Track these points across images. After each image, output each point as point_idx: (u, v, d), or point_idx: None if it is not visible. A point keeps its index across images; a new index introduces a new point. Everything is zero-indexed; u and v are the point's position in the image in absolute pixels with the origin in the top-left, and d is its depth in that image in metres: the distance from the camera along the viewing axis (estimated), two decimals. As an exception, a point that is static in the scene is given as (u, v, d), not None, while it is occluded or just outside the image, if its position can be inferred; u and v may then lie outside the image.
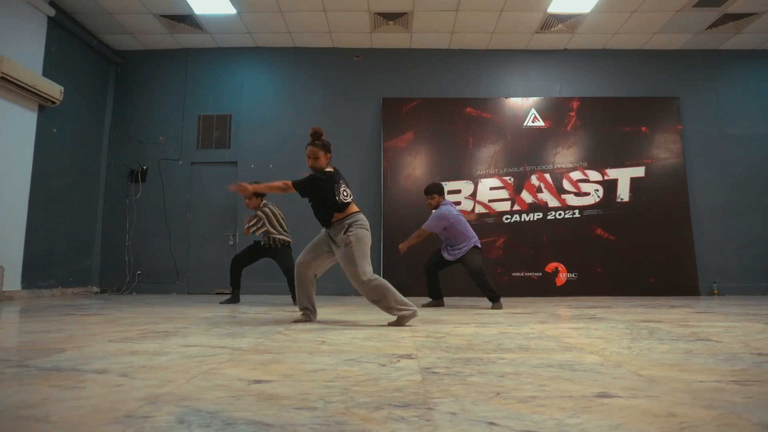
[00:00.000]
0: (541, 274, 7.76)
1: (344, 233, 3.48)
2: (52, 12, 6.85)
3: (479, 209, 7.88)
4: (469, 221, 5.55)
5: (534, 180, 7.98)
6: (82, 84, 7.71)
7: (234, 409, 1.27)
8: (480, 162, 8.04)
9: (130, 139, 8.37)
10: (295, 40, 8.32)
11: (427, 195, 5.36)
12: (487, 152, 8.07)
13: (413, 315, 3.37)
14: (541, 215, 7.91)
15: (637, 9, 7.33)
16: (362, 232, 3.50)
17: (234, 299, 5.72)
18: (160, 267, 8.11)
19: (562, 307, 5.31)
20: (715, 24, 7.71)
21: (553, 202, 7.94)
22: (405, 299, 3.40)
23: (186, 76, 8.51)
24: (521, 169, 8.02)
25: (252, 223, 5.48)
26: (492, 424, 1.16)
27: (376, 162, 8.15)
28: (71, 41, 7.45)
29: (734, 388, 1.54)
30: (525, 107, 8.18)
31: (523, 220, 7.89)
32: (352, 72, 8.49)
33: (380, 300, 3.40)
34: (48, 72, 6.85)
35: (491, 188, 7.95)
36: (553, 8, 7.31)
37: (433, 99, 8.23)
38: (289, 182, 3.49)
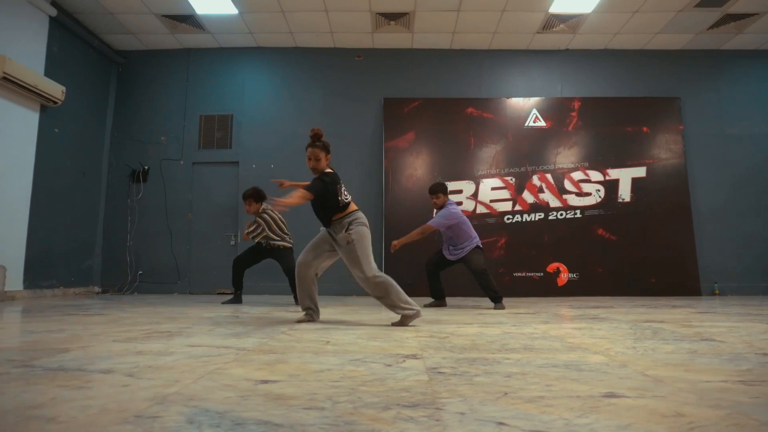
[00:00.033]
0: (542, 274, 7.76)
1: (345, 231, 3.51)
2: (53, 12, 6.85)
3: (481, 209, 7.88)
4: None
5: (535, 180, 7.98)
6: (84, 84, 7.71)
7: (242, 410, 1.27)
8: (481, 162, 8.04)
9: (132, 139, 8.37)
10: (296, 40, 8.32)
11: (432, 194, 5.33)
12: (489, 152, 8.07)
13: (417, 315, 3.37)
14: (542, 215, 7.91)
15: (638, 9, 7.33)
16: (363, 230, 3.54)
17: (236, 300, 5.73)
18: (161, 267, 8.11)
19: (564, 307, 5.31)
20: (717, 24, 7.71)
21: (554, 202, 7.94)
22: (409, 299, 3.41)
23: (187, 76, 8.52)
24: (523, 169, 8.02)
25: (251, 228, 5.50)
26: (501, 424, 1.17)
27: (378, 162, 8.15)
28: (73, 41, 7.45)
29: (741, 388, 1.54)
30: (526, 107, 8.18)
31: (524, 220, 7.89)
32: (354, 72, 8.49)
33: (384, 297, 3.42)
34: (50, 72, 6.85)
35: (493, 188, 7.95)
36: (555, 8, 7.31)
37: (434, 99, 8.23)
38: (307, 193, 3.38)
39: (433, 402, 1.36)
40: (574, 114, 8.15)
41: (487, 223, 7.83)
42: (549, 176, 7.99)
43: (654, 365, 1.92)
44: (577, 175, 8.01)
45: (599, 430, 1.13)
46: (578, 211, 7.92)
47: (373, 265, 3.50)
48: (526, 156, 8.05)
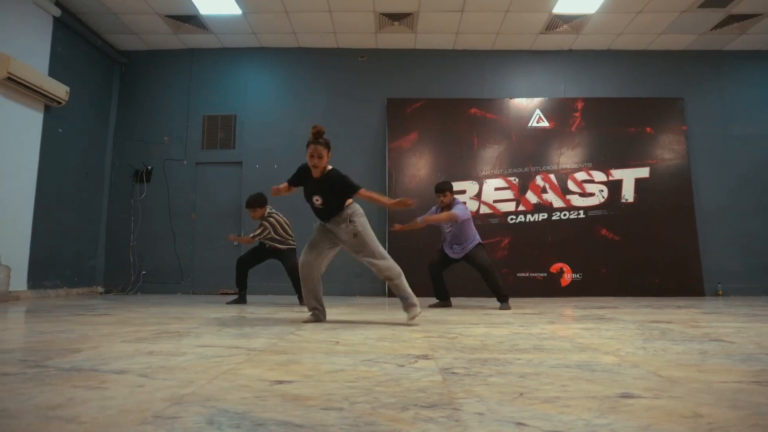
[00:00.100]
0: (545, 274, 7.77)
1: (348, 224, 3.60)
2: (58, 12, 6.86)
3: (484, 210, 7.89)
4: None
5: (539, 180, 7.98)
6: (87, 84, 7.72)
7: (261, 410, 1.27)
8: (485, 162, 8.04)
9: (135, 140, 8.38)
10: (299, 41, 8.33)
11: (440, 192, 5.30)
12: (492, 153, 8.08)
13: (417, 308, 3.56)
14: (545, 216, 7.91)
15: (642, 9, 7.33)
16: (364, 220, 3.66)
17: (241, 300, 5.74)
18: (164, 267, 8.12)
19: (569, 307, 5.31)
20: (720, 25, 7.71)
21: (557, 202, 7.94)
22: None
23: (191, 76, 8.53)
24: (526, 169, 8.02)
25: (258, 232, 5.52)
26: (521, 424, 1.17)
27: (381, 162, 8.15)
28: (76, 41, 7.46)
29: (756, 389, 1.54)
30: (530, 108, 8.18)
31: (527, 220, 7.90)
32: (357, 72, 8.50)
33: (394, 279, 3.59)
34: (53, 72, 6.86)
35: (496, 189, 7.96)
36: (559, 9, 7.31)
37: (437, 99, 8.24)
38: (361, 189, 3.61)
39: (451, 402, 1.36)
40: (577, 114, 8.16)
41: (491, 223, 7.84)
42: (552, 177, 7.99)
43: (666, 366, 1.92)
44: (581, 176, 8.01)
45: (620, 430, 1.13)
46: (581, 212, 7.93)
47: (381, 249, 3.66)
48: (529, 156, 8.05)
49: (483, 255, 5.23)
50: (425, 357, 2.10)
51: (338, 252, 3.88)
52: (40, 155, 6.73)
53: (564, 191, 7.97)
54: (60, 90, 6.73)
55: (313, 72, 8.51)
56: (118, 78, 8.55)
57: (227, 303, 5.68)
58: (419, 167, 8.01)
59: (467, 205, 7.77)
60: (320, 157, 3.55)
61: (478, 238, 5.29)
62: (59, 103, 6.80)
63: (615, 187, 7.99)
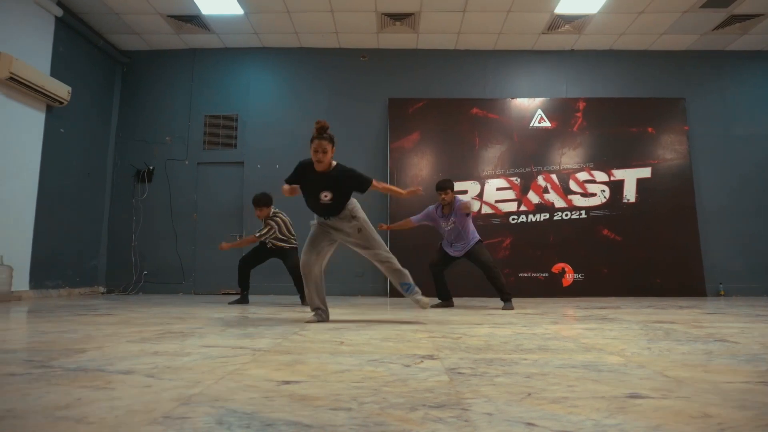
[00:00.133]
0: (547, 274, 7.77)
1: (350, 220, 3.68)
2: (59, 12, 6.87)
3: (486, 210, 7.89)
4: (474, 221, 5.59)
5: (540, 181, 7.98)
6: (89, 84, 7.73)
7: (269, 410, 1.27)
8: (486, 162, 8.05)
9: (137, 140, 8.39)
10: (301, 41, 8.33)
11: (441, 190, 5.25)
12: (494, 153, 8.08)
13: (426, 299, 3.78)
14: (547, 216, 7.91)
15: (644, 10, 7.33)
16: (364, 215, 3.79)
17: (243, 300, 5.74)
18: (166, 267, 8.12)
19: (571, 307, 5.31)
20: (722, 25, 7.71)
21: (559, 202, 7.94)
22: None
23: (192, 76, 8.53)
24: (528, 169, 8.02)
25: (265, 231, 5.52)
26: (530, 424, 1.16)
27: (383, 162, 8.15)
28: (78, 41, 7.46)
29: (763, 389, 1.54)
30: (531, 108, 8.18)
31: (529, 220, 7.90)
32: (359, 72, 8.50)
33: (396, 272, 3.78)
34: (55, 72, 6.87)
35: (498, 189, 7.96)
36: (561, 9, 7.31)
37: (439, 99, 8.24)
38: (373, 180, 3.80)
39: (459, 402, 1.36)
40: (579, 114, 8.16)
41: (492, 223, 7.84)
42: (554, 177, 7.99)
43: (672, 366, 1.92)
44: (582, 176, 8.01)
45: (630, 430, 1.13)
46: (583, 212, 7.93)
47: (383, 244, 3.83)
48: (531, 156, 8.05)
49: (486, 252, 5.25)
50: (431, 357, 2.10)
51: (336, 249, 3.92)
52: (41, 155, 6.73)
53: (566, 191, 7.97)
54: (62, 90, 6.73)
55: (315, 72, 8.51)
56: (120, 78, 8.56)
57: (229, 303, 5.68)
58: (421, 167, 8.01)
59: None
60: (324, 152, 3.56)
61: (478, 235, 5.31)
62: (61, 103, 6.81)
63: (617, 187, 7.99)
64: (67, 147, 7.21)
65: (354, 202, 3.76)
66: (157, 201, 8.24)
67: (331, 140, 3.59)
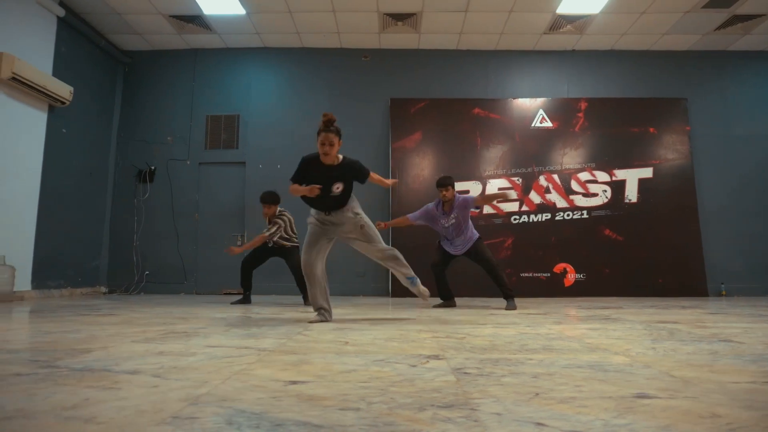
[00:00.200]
0: (549, 274, 7.77)
1: (353, 216, 3.74)
2: (61, 12, 6.87)
3: (487, 210, 7.88)
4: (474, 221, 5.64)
5: (542, 181, 7.98)
6: (91, 84, 7.73)
7: (278, 410, 1.27)
8: (488, 163, 8.05)
9: (138, 140, 8.39)
10: (303, 41, 8.33)
11: (441, 187, 5.20)
12: (495, 153, 8.08)
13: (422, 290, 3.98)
14: (549, 216, 7.91)
15: (645, 10, 7.33)
16: (364, 214, 3.85)
17: (245, 300, 5.75)
18: (167, 267, 8.13)
19: (574, 307, 5.31)
20: (724, 25, 7.71)
21: (561, 202, 7.94)
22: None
23: (194, 76, 8.54)
24: (529, 169, 8.02)
25: (273, 230, 5.54)
26: (540, 424, 1.16)
27: (384, 162, 8.15)
28: (80, 41, 7.47)
29: (771, 390, 1.54)
30: (533, 108, 8.18)
31: (531, 220, 7.90)
32: (360, 72, 8.51)
33: (395, 265, 3.91)
34: (57, 72, 6.87)
35: (499, 189, 7.95)
36: (563, 9, 7.31)
37: (441, 99, 8.24)
38: (371, 172, 3.89)
39: (467, 403, 1.36)
40: (580, 115, 8.16)
41: (494, 223, 7.84)
42: (556, 177, 7.99)
43: (678, 366, 1.92)
44: (584, 176, 8.01)
45: (639, 430, 1.13)
46: (585, 212, 7.93)
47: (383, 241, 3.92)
48: (532, 156, 8.05)
49: (487, 249, 5.29)
50: (436, 357, 2.10)
51: (333, 247, 3.98)
52: (43, 155, 6.73)
53: (567, 191, 7.97)
54: (64, 90, 6.74)
55: (317, 72, 8.52)
56: (122, 78, 8.56)
57: (232, 303, 5.69)
58: (422, 167, 8.01)
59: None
60: (332, 144, 3.57)
61: (477, 232, 5.33)
62: (63, 103, 6.81)
63: (618, 187, 7.99)
64: (68, 147, 7.21)
65: (354, 198, 3.79)
66: (159, 201, 8.24)
67: (338, 133, 3.60)
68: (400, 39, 8.23)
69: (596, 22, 7.70)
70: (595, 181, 8.00)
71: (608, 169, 8.02)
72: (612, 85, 8.50)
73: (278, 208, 5.70)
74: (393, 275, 7.53)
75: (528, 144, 8.09)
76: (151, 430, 1.12)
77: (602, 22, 7.69)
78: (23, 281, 6.33)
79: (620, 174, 8.02)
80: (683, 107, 8.26)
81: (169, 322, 3.47)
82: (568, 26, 7.82)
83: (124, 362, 1.94)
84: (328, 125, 3.56)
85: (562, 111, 8.18)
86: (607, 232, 7.89)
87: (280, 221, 5.57)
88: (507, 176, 7.99)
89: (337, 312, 4.46)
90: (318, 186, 3.55)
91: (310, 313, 3.89)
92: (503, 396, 1.43)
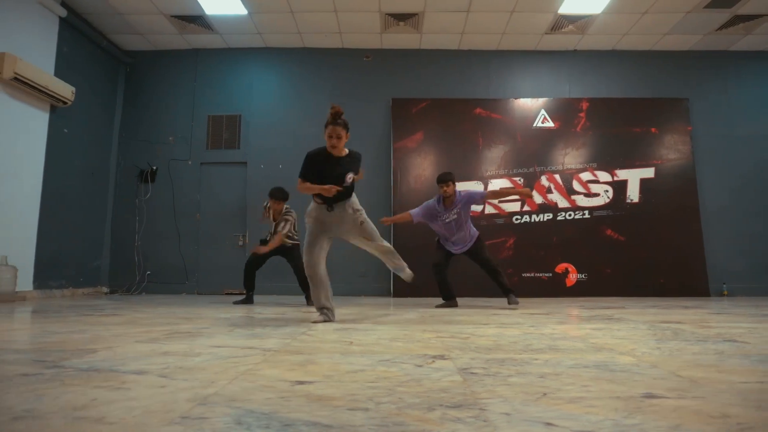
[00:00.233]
0: (551, 274, 7.76)
1: (353, 212, 3.76)
2: (63, 12, 6.87)
3: (489, 210, 7.88)
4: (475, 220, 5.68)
5: (544, 181, 7.98)
6: (93, 84, 7.73)
7: (287, 411, 1.27)
8: (490, 163, 8.04)
9: (140, 140, 8.39)
10: (304, 41, 8.33)
11: (443, 182, 5.20)
12: (497, 153, 8.08)
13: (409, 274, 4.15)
14: (551, 216, 7.91)
15: (647, 10, 7.33)
16: (363, 210, 3.88)
17: (248, 300, 5.75)
18: (169, 267, 8.13)
19: (576, 307, 5.31)
20: (726, 25, 7.71)
21: (562, 202, 7.94)
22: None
23: (195, 76, 8.54)
24: (531, 169, 8.02)
25: (287, 228, 5.55)
26: (549, 424, 1.16)
27: (386, 163, 8.15)
28: (82, 42, 7.47)
29: (779, 390, 1.54)
30: (534, 108, 8.18)
31: (533, 220, 7.90)
32: (362, 72, 8.51)
33: (392, 257, 4.06)
34: (59, 72, 6.88)
35: (502, 189, 7.93)
36: (564, 9, 7.31)
37: (442, 99, 8.24)
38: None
39: (475, 402, 1.35)
40: (582, 115, 8.16)
41: (496, 223, 7.84)
42: (557, 177, 7.99)
43: (685, 366, 1.91)
44: (586, 176, 8.01)
45: (650, 430, 1.13)
46: (586, 212, 7.92)
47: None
48: (534, 156, 8.05)
49: (487, 248, 5.36)
50: (441, 357, 2.09)
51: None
52: (45, 155, 6.74)
53: (569, 191, 7.97)
54: (66, 90, 6.74)
55: (318, 72, 8.52)
56: (124, 78, 8.56)
57: (234, 302, 5.69)
58: (424, 167, 8.01)
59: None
60: (339, 137, 3.60)
61: (477, 230, 5.39)
62: (65, 103, 6.81)
63: (620, 187, 7.99)
64: (70, 147, 7.21)
65: (354, 196, 3.83)
66: (161, 201, 8.24)
67: (346, 126, 3.64)
68: (401, 39, 8.23)
69: (598, 22, 7.70)
70: (596, 181, 8.00)
71: (610, 169, 8.02)
72: (614, 85, 8.50)
73: (285, 206, 5.70)
74: (395, 276, 7.54)
75: (530, 144, 8.09)
76: (161, 430, 1.12)
77: (604, 22, 7.69)
78: (25, 281, 6.33)
79: (622, 174, 8.02)
80: (685, 107, 8.25)
81: (173, 323, 3.47)
82: (570, 26, 7.82)
83: (130, 362, 1.94)
84: (335, 118, 3.60)
85: (563, 111, 8.18)
86: (608, 232, 7.89)
87: (290, 217, 5.59)
88: (509, 176, 7.99)
89: (339, 312, 4.46)
90: (337, 187, 3.56)
91: (313, 313, 3.89)
92: (511, 396, 1.43)
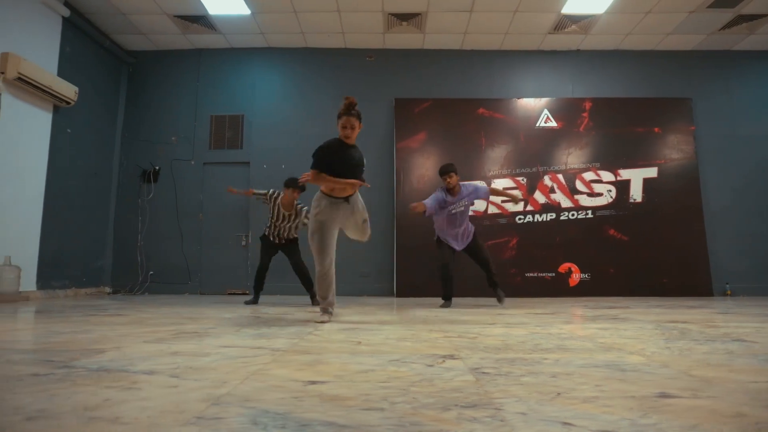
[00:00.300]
0: (554, 274, 7.76)
1: (361, 210, 3.82)
2: (66, 12, 6.87)
3: (492, 209, 7.88)
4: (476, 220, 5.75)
5: (547, 180, 7.97)
6: (96, 84, 7.73)
7: (302, 411, 1.26)
8: (493, 162, 8.04)
9: (143, 140, 8.39)
10: (307, 41, 8.33)
11: (445, 174, 5.24)
12: (500, 153, 8.07)
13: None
14: (554, 216, 7.90)
15: (650, 10, 7.32)
16: None
17: (255, 300, 5.73)
18: (172, 267, 8.12)
19: (580, 307, 5.30)
20: (729, 25, 7.70)
21: (565, 202, 7.93)
22: None
23: (198, 76, 8.53)
24: (534, 169, 8.01)
25: (307, 219, 5.48)
26: (567, 424, 1.16)
27: (389, 162, 8.15)
28: (85, 42, 7.47)
29: (793, 389, 1.53)
30: (537, 108, 8.17)
31: (536, 220, 7.89)
32: (365, 72, 8.50)
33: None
34: (62, 72, 6.87)
35: (504, 188, 7.93)
36: (567, 9, 7.30)
37: (445, 99, 8.24)
38: None
39: (490, 402, 1.35)
40: (585, 114, 8.15)
41: (499, 223, 7.83)
42: (560, 176, 7.98)
43: (696, 366, 1.91)
44: (589, 176, 8.00)
45: (668, 430, 1.12)
46: (590, 212, 7.91)
47: None
48: (537, 156, 8.05)
49: (484, 245, 5.47)
50: (451, 357, 2.09)
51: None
52: (48, 155, 6.74)
53: (572, 191, 7.96)
54: (69, 90, 6.74)
55: (321, 72, 8.51)
56: (126, 78, 8.56)
57: (245, 303, 5.66)
58: (427, 167, 8.00)
59: (475, 204, 7.77)
60: (353, 127, 3.64)
61: (473, 226, 5.48)
62: (68, 103, 6.81)
63: (623, 187, 7.98)
64: (73, 147, 7.21)
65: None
66: (163, 201, 8.24)
67: (359, 117, 3.67)
68: (404, 39, 8.23)
69: (601, 22, 7.69)
70: (599, 181, 7.99)
71: (613, 168, 8.01)
72: (617, 85, 8.49)
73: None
74: (397, 275, 7.54)
75: (533, 144, 8.08)
76: (176, 430, 1.11)
77: (607, 22, 7.68)
78: (28, 281, 6.33)
79: (625, 174, 8.01)
80: (688, 107, 8.24)
81: (179, 322, 3.47)
82: (573, 26, 7.81)
83: (139, 362, 1.94)
84: (350, 108, 3.62)
85: (566, 111, 8.17)
86: (611, 231, 7.88)
87: (302, 209, 5.57)
88: (511, 176, 7.98)
89: (344, 312, 4.46)
90: (365, 183, 3.68)
91: (318, 313, 3.88)
92: (525, 396, 1.42)
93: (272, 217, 5.64)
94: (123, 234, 8.19)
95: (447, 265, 5.32)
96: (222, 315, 4.14)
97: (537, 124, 8.13)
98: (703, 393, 1.47)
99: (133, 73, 8.60)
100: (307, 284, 5.62)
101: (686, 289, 7.67)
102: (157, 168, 8.27)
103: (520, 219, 7.88)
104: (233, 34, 8.11)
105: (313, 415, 1.23)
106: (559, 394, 1.45)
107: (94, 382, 1.58)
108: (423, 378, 1.66)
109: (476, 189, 5.37)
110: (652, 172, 8.02)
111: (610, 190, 7.96)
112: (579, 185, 7.97)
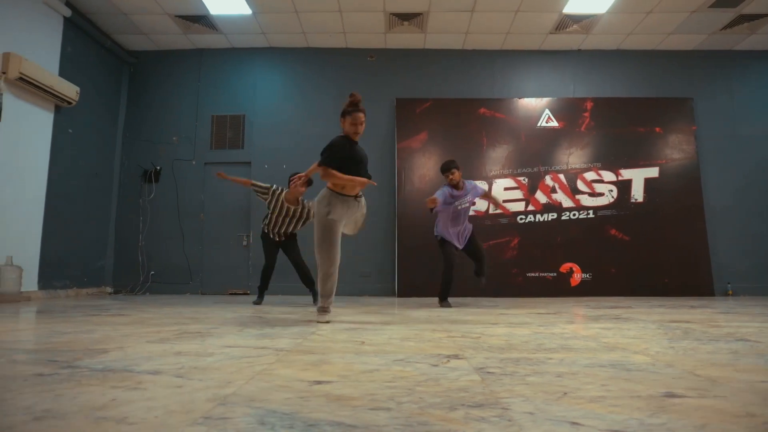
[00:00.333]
0: (555, 274, 7.75)
1: (363, 204, 3.88)
2: (68, 12, 6.87)
3: (493, 209, 7.85)
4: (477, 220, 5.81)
5: (548, 180, 7.97)
6: (97, 84, 7.73)
7: (308, 411, 1.26)
8: (494, 162, 8.03)
9: (144, 140, 8.38)
10: (308, 41, 8.32)
11: (447, 171, 5.27)
12: (501, 152, 8.06)
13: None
14: (555, 215, 7.90)
15: (652, 10, 7.31)
16: None
17: (259, 300, 5.73)
18: (173, 267, 8.11)
19: (582, 307, 5.29)
20: (731, 25, 7.69)
21: (567, 202, 7.92)
22: None
23: (199, 76, 8.53)
24: (535, 169, 8.00)
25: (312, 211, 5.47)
26: (576, 424, 1.15)
27: (390, 162, 8.14)
28: (86, 42, 7.46)
29: (799, 389, 1.53)
30: (539, 108, 8.17)
31: (537, 220, 7.88)
32: (366, 72, 8.49)
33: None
34: (63, 72, 6.87)
35: (505, 188, 7.94)
36: (569, 9, 7.29)
37: (446, 99, 8.23)
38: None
39: (497, 402, 1.35)
40: (586, 114, 8.14)
41: (500, 223, 7.82)
42: (562, 176, 7.97)
43: (701, 365, 1.91)
44: (590, 176, 7.99)
45: (677, 429, 1.12)
46: (591, 212, 7.91)
47: None
48: (538, 156, 8.04)
49: (482, 243, 5.59)
50: (456, 357, 2.09)
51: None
52: (50, 155, 6.73)
53: (573, 191, 7.96)
54: (71, 90, 6.73)
55: (322, 72, 8.50)
56: (128, 78, 8.56)
57: (254, 302, 5.65)
58: (428, 167, 7.99)
59: (476, 204, 7.78)
60: (362, 123, 3.67)
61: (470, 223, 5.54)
62: (69, 103, 6.80)
63: (624, 186, 7.97)
64: (74, 147, 7.21)
65: None
66: (164, 201, 8.23)
67: (365, 113, 3.72)
68: (406, 39, 8.22)
69: (602, 22, 7.69)
70: (601, 181, 7.99)
71: (614, 168, 8.01)
72: (618, 85, 8.48)
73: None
74: (398, 275, 7.54)
75: (534, 144, 8.07)
76: (184, 430, 1.11)
77: (608, 21, 7.67)
78: (30, 281, 6.33)
79: (626, 174, 8.00)
80: (689, 107, 8.24)
81: (181, 322, 3.46)
82: (575, 26, 7.80)
83: (143, 362, 1.94)
84: (357, 105, 3.66)
85: (568, 111, 8.16)
86: (613, 231, 7.87)
87: (306, 204, 5.57)
88: (513, 176, 7.98)
89: (346, 312, 4.46)
90: (373, 182, 3.73)
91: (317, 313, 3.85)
92: (532, 395, 1.42)
93: (272, 212, 5.57)
94: (124, 234, 8.19)
95: (452, 267, 5.32)
96: (224, 315, 4.14)
97: (538, 124, 8.12)
98: (711, 393, 1.46)
99: (135, 73, 8.59)
100: (308, 283, 5.62)
101: (688, 289, 7.66)
102: (158, 168, 8.27)
103: (521, 219, 7.88)
104: (234, 34, 8.10)
105: (320, 415, 1.22)
106: (565, 393, 1.44)
107: (100, 382, 1.58)
108: (428, 378, 1.66)
109: (475, 186, 5.47)
110: (653, 171, 8.01)
111: (612, 190, 7.95)
112: (580, 185, 7.97)
